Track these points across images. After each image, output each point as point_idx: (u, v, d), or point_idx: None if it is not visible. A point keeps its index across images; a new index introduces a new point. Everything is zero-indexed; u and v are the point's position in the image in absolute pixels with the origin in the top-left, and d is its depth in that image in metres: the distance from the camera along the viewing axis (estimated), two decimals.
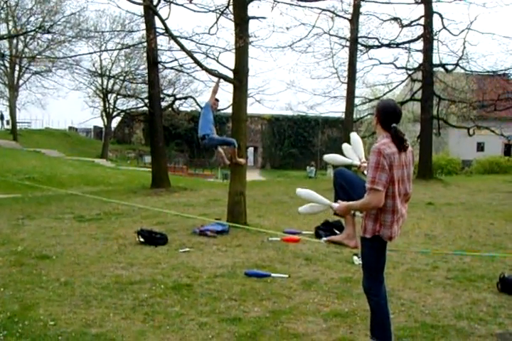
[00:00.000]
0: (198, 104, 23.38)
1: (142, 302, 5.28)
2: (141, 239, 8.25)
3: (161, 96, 21.86)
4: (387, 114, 4.00)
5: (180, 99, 26.68)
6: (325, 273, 6.60)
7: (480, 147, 41.75)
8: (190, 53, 10.57)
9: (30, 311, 4.95)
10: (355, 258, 7.14)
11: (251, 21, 10.54)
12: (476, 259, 7.42)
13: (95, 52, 39.55)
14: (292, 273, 6.57)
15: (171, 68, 22.15)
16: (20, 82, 41.71)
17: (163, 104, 22.74)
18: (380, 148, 3.86)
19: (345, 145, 4.91)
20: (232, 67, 10.32)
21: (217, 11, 12.72)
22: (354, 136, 4.93)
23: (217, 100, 10.10)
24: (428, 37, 22.16)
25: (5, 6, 29.11)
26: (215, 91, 10.03)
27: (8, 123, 48.94)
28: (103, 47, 39.56)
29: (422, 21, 22.62)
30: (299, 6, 14.66)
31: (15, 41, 37.55)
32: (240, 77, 10.13)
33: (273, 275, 6.41)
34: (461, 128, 25.75)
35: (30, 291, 5.60)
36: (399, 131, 3.95)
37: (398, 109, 4.04)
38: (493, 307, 5.27)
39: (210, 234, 9.02)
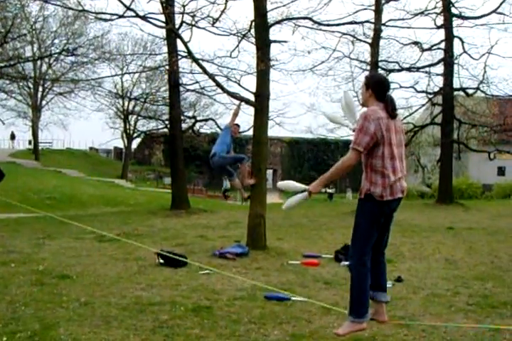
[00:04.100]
0: (218, 127, 23.57)
1: (162, 324, 5.27)
2: (161, 261, 8.26)
3: (182, 118, 22.03)
4: (382, 86, 4.38)
5: (200, 121, 26.84)
6: (344, 296, 6.52)
7: (501, 171, 41.41)
8: (211, 76, 10.69)
9: (50, 330, 4.96)
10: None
11: (272, 45, 10.66)
12: (498, 285, 7.32)
13: (117, 75, 40.27)
14: (312, 296, 6.52)
15: (193, 90, 22.37)
16: (43, 102, 42.34)
17: (184, 125, 22.91)
18: (367, 114, 4.21)
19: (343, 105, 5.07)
20: (254, 90, 10.39)
21: (239, 34, 12.91)
22: (347, 95, 5.07)
23: (237, 125, 10.12)
24: (448, 61, 22.20)
25: (31, 29, 29.76)
26: (235, 114, 10.08)
27: (30, 143, 49.58)
28: (125, 69, 40.22)
29: (442, 45, 22.68)
30: (320, 29, 14.84)
31: (39, 63, 38.18)
32: (261, 100, 10.18)
33: (293, 298, 6.37)
34: (482, 152, 25.62)
35: (50, 311, 5.62)
36: (393, 99, 4.35)
37: (387, 79, 4.57)
38: None
39: (230, 256, 9.01)
